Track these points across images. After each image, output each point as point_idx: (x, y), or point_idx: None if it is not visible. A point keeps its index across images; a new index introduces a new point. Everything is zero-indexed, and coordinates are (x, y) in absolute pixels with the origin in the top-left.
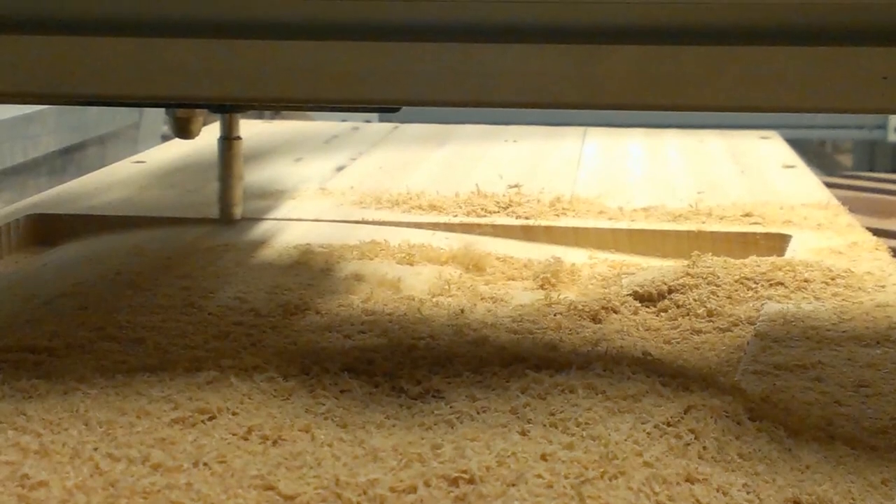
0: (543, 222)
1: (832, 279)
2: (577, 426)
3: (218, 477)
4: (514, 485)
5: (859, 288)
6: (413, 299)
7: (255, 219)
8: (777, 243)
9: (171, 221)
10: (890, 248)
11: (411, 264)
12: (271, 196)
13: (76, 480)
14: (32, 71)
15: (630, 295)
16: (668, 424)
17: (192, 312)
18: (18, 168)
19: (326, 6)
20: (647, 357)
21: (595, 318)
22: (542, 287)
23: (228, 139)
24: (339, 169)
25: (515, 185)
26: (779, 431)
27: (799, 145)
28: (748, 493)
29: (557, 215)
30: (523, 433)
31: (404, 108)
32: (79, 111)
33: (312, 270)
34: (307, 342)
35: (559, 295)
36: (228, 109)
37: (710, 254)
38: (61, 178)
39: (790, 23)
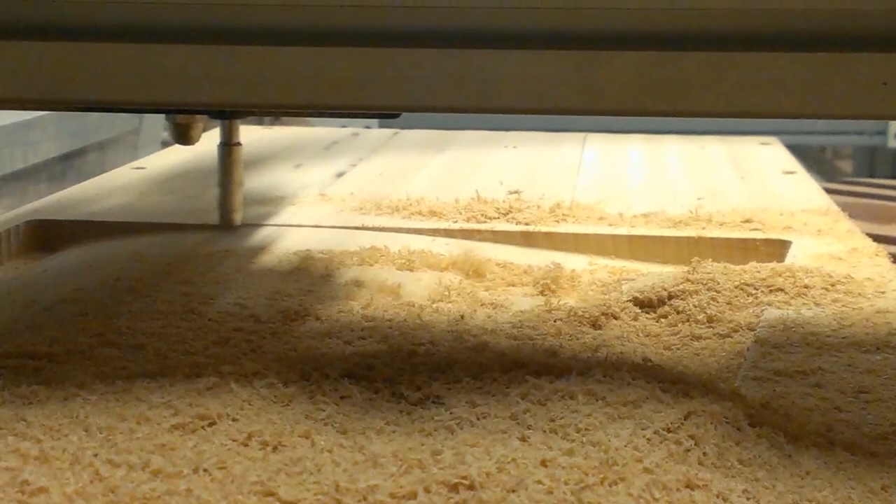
0: (543, 228)
1: (832, 285)
2: (577, 432)
3: (218, 483)
4: (514, 491)
5: (859, 294)
6: (413, 305)
7: (255, 225)
8: (777, 249)
9: (171, 227)
10: (890, 254)
11: (411, 270)
12: (271, 202)
13: (76, 486)
14: (32, 77)
15: (630, 301)
16: (668, 430)
17: (192, 318)
18: (18, 174)
19: (326, 12)
20: (647, 363)
21: (595, 324)
22: (542, 293)
23: (228, 145)
24: (339, 175)
25: (515, 191)
26: (779, 437)
27: (799, 151)
28: (748, 498)
29: (557, 221)
30: (523, 439)
31: (404, 114)
32: (79, 117)
33: (312, 276)
34: (307, 348)
35: (559, 301)
36: (228, 115)
37: (710, 260)
38: (61, 184)
39: (790, 29)
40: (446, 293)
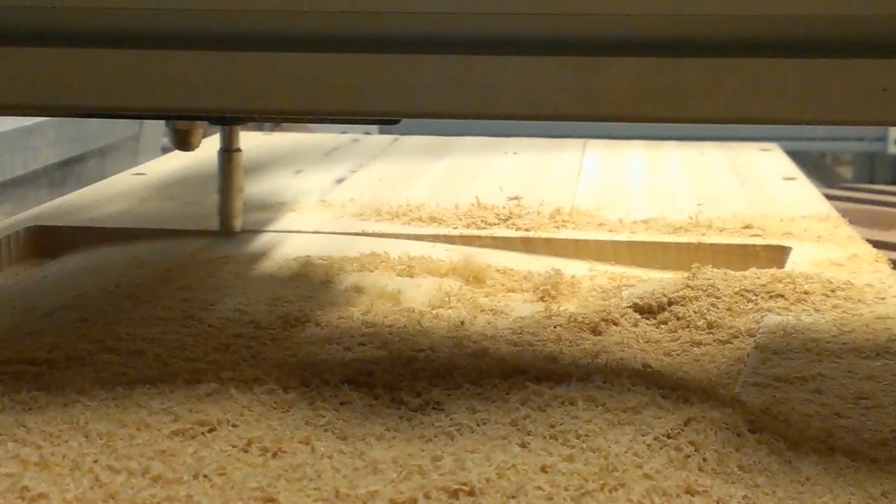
0: (543, 234)
1: (832, 291)
2: (577, 438)
3: (218, 489)
4: (514, 497)
5: (859, 300)
6: (413, 311)
7: (255, 231)
8: (777, 255)
9: (171, 233)
10: (890, 260)
11: (411, 276)
12: (271, 208)
13: (76, 492)
14: (33, 83)
15: (630, 307)
16: (668, 436)
17: (192, 324)
18: (19, 180)
19: (326, 18)
20: (647, 369)
21: (595, 330)
22: (542, 299)
23: (228, 151)
24: (339, 181)
25: (515, 197)
26: (779, 443)
27: (799, 157)
28: None
29: (557, 227)
30: (523, 445)
31: (404, 120)
32: (79, 123)
33: (312, 282)
34: (307, 354)
35: (559, 307)
36: (228, 121)
37: (710, 266)
38: (61, 190)
39: (790, 35)
40: (446, 299)
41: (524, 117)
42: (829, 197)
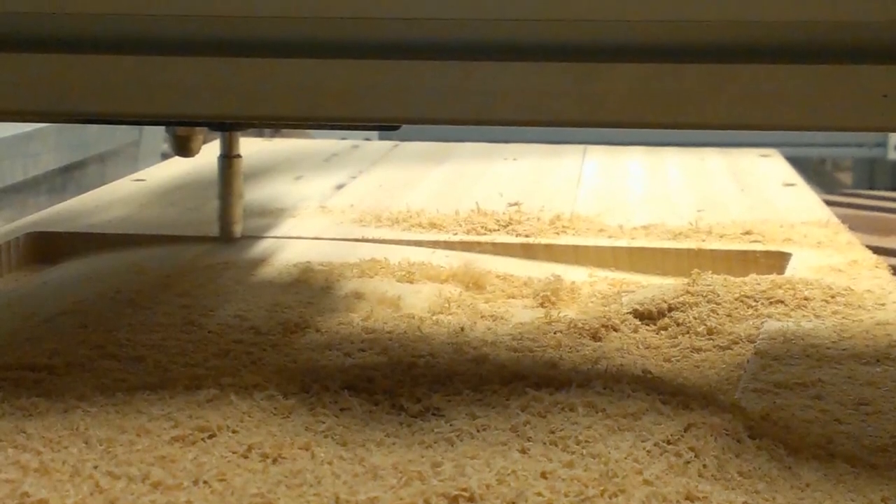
0: (543, 240)
1: (832, 297)
2: (577, 444)
3: (218, 495)
4: (514, 503)
5: (859, 306)
6: (413, 317)
7: (255, 237)
8: (777, 261)
9: (171, 239)
10: (890, 266)
11: (411, 282)
12: (271, 214)
13: (76, 498)
14: (33, 89)
15: (630, 313)
16: (668, 442)
17: (192, 330)
18: (19, 186)
19: (326, 24)
20: (647, 375)
21: (595, 336)
22: (542, 305)
23: (228, 157)
24: (339, 187)
25: (515, 203)
26: (779, 449)
27: (799, 163)
28: None
29: (557, 233)
30: (523, 451)
31: (404, 126)
32: (79, 129)
33: (312, 288)
34: (307, 360)
35: (559, 313)
36: (228, 127)
37: (711, 272)
38: (61, 196)
39: (790, 41)
40: (446, 305)
41: (524, 123)
42: (829, 203)
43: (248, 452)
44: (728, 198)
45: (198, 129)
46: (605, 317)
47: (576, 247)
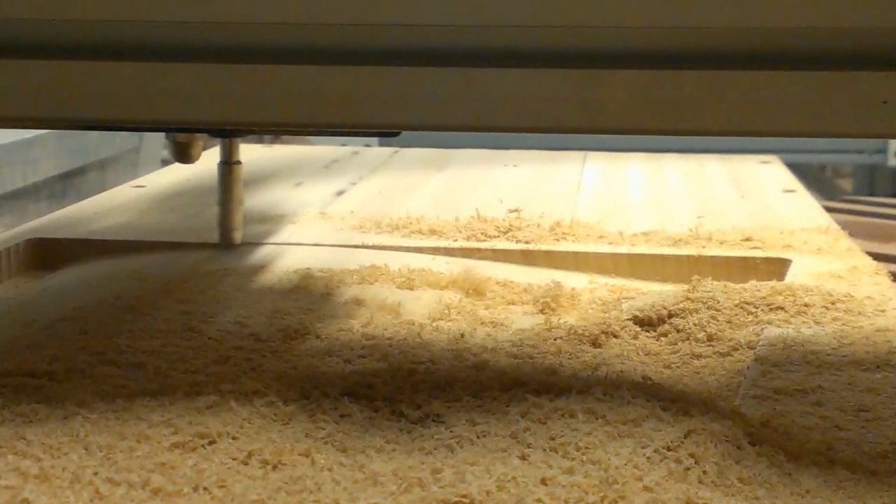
0: (543, 247)
1: (832, 304)
2: (577, 451)
3: (218, 501)
4: None
5: (859, 312)
6: (413, 324)
7: (255, 243)
8: (777, 268)
9: (171, 246)
10: (890, 272)
11: (411, 289)
12: (271, 220)
13: None
14: (33, 95)
15: (630, 319)
16: (668, 449)
17: (192, 337)
18: (18, 192)
19: (326, 30)
20: (647, 381)
21: (595, 343)
22: (542, 311)
23: (228, 164)
24: (339, 193)
25: (515, 210)
26: (779, 456)
27: (799, 170)
28: None
29: (557, 240)
30: (523, 458)
31: (404, 132)
32: (79, 135)
33: (312, 295)
34: (307, 367)
35: (559, 319)
36: (228, 134)
37: (710, 278)
38: (61, 202)
39: (790, 47)
40: (446, 312)
41: (524, 130)
42: (829, 209)
43: (248, 459)
44: (728, 204)
45: (198, 135)
46: (605, 323)
47: (576, 253)
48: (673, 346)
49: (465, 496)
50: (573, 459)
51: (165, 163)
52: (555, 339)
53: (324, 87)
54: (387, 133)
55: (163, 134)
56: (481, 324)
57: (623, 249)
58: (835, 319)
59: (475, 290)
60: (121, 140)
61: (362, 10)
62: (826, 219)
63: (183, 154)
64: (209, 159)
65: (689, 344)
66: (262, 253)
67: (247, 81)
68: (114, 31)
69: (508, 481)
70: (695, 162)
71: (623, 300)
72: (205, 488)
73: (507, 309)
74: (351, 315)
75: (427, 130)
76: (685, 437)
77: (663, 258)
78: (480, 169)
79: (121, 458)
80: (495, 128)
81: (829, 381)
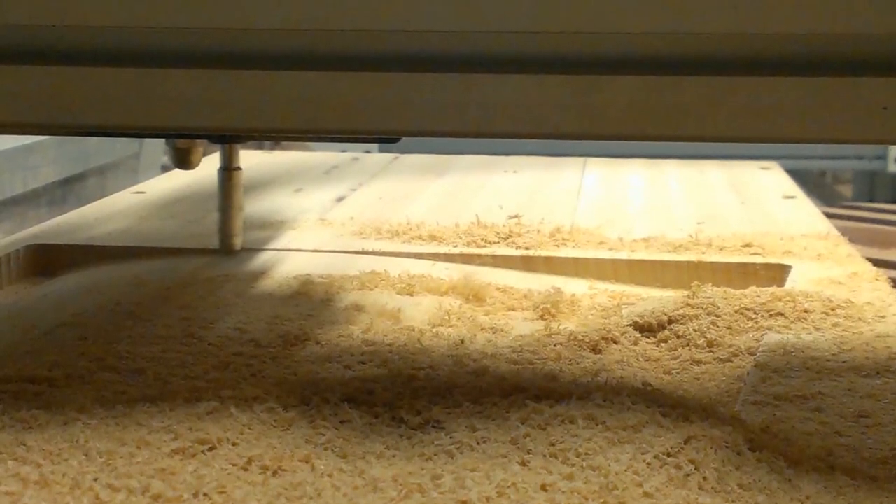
0: (543, 253)
1: (832, 310)
2: (577, 457)
3: None
4: None
5: (859, 318)
6: (413, 330)
7: (255, 249)
8: (777, 274)
9: (171, 252)
10: (890, 278)
11: (411, 295)
12: (271, 226)
13: None
14: (32, 101)
15: (630, 325)
16: (669, 455)
17: (192, 343)
18: (18, 198)
19: (326, 36)
20: (647, 387)
21: (595, 349)
22: (542, 317)
23: (228, 170)
24: (339, 199)
25: (515, 216)
26: (779, 462)
27: (799, 176)
28: None
29: (557, 246)
30: (523, 463)
31: (404, 138)
32: (79, 142)
33: (312, 301)
34: (307, 373)
35: (559, 325)
36: (228, 140)
37: (710, 284)
38: (61, 208)
39: (790, 53)
40: (446, 318)
41: (524, 136)
42: (829, 215)
43: (248, 465)
44: (728, 210)
45: (198, 141)
46: (605, 329)
47: (576, 259)
48: (673, 351)
49: (465, 502)
50: (573, 465)
51: (165, 169)
52: (555, 345)
53: (324, 93)
54: (387, 139)
55: (163, 140)
56: (481, 330)
57: (623, 255)
58: (835, 325)
59: (475, 296)
60: (121, 146)
61: (362, 17)
62: (826, 225)
63: (183, 160)
64: (209, 165)
65: (689, 350)
66: (262, 259)
67: (247, 87)
68: (114, 37)
69: (508, 487)
70: (695, 168)
71: (623, 306)
72: (205, 494)
73: (507, 315)
74: (351, 321)
75: (427, 136)
76: (685, 443)
77: (663, 264)
78: (480, 175)
79: (121, 464)
80: (495, 134)
81: (829, 386)
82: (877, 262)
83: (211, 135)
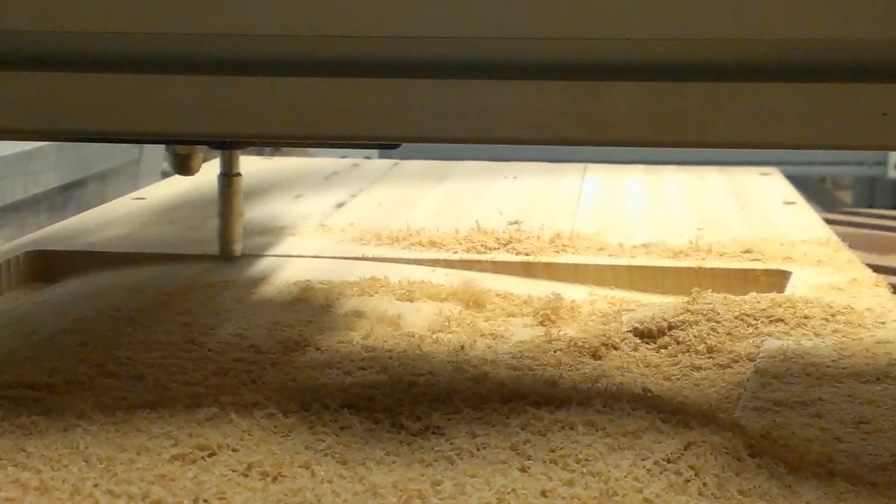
0: (543, 259)
1: (832, 316)
2: (578, 463)
3: None
4: None
5: (859, 324)
6: (413, 336)
7: (255, 255)
8: (777, 280)
9: (171, 258)
10: (890, 284)
11: (411, 301)
12: (271, 233)
13: None
14: (33, 107)
15: (630, 331)
16: (669, 461)
17: (192, 349)
18: (18, 204)
19: (326, 43)
20: (647, 393)
21: (595, 355)
22: (542, 323)
23: (228, 176)
24: (339, 205)
25: (515, 222)
26: (779, 468)
27: (799, 182)
28: None
29: (557, 252)
30: (523, 470)
31: (404, 144)
32: (79, 148)
33: (312, 307)
34: (307, 379)
35: (559, 331)
36: (228, 146)
37: (710, 290)
38: (61, 214)
39: (790, 59)
40: (446, 324)
41: (524, 142)
42: (829, 221)
43: (248, 471)
44: (728, 216)
45: (198, 147)
46: (605, 335)
47: (576, 265)
48: (673, 358)
49: None
50: (573, 472)
51: (165, 175)
52: (555, 351)
53: (324, 99)
54: (387, 145)
55: (163, 146)
56: (481, 336)
57: (623, 261)
58: (835, 331)
59: (475, 302)
60: (121, 152)
61: (362, 22)
62: (826, 231)
63: (183, 166)
64: (209, 171)
65: (690, 356)
66: (262, 265)
67: (247, 93)
68: (113, 44)
69: (508, 493)
70: (695, 174)
71: (623, 312)
72: (205, 500)
73: (507, 321)
74: (351, 327)
75: (427, 142)
76: (685, 450)
77: (663, 270)
78: (480, 181)
79: (121, 471)
80: (495, 140)
81: (829, 393)
82: (877, 268)
83: (211, 141)
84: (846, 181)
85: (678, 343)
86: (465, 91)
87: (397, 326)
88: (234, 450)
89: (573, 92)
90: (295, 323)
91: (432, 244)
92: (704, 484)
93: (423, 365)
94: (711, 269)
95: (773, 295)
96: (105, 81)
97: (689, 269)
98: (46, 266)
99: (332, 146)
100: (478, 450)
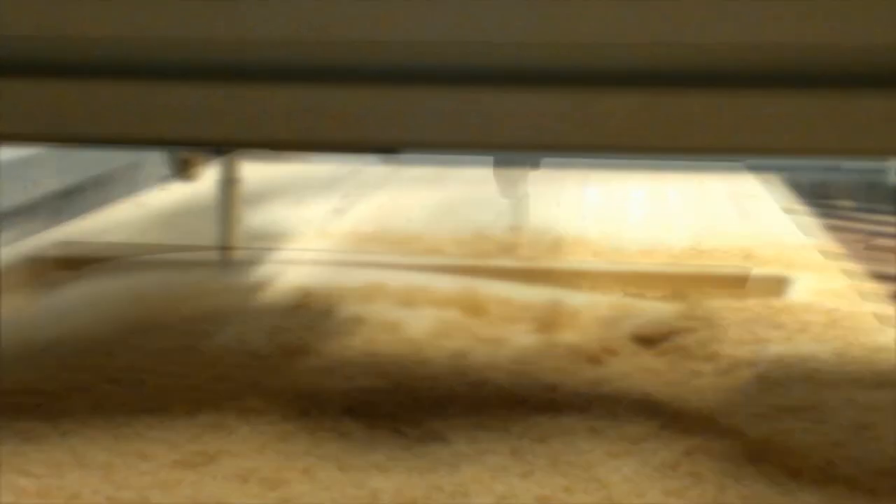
0: (544, 264)
1: (832, 321)
2: (578, 468)
3: None
4: None
5: (859, 330)
6: (413, 341)
7: (254, 261)
8: (777, 286)
9: (171, 264)
10: (889, 290)
11: (411, 306)
12: (271, 238)
13: None
14: (34, 113)
15: (630, 337)
16: (669, 467)
17: (192, 354)
18: (18, 210)
19: (326, 50)
20: (648, 399)
21: (595, 360)
22: (542, 329)
23: (228, 181)
24: (339, 211)
25: (516, 227)
26: (779, 474)
27: (799, 188)
28: None
29: (558, 257)
30: (523, 475)
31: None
32: (79, 153)
33: (312, 312)
34: (307, 384)
35: (559, 337)
36: (228, 152)
37: (711, 296)
38: (61, 220)
39: (791, 66)
40: (446, 329)
41: (525, 149)
42: (828, 227)
43: (247, 476)
44: (728, 222)
45: (198, 153)
46: (605, 341)
47: (576, 271)
48: (673, 363)
49: None
50: (573, 477)
51: (165, 181)
52: (555, 357)
53: (324, 106)
54: (387, 151)
55: (163, 152)
56: (481, 341)
57: (623, 267)
58: (834, 337)
59: (475, 307)
60: (121, 158)
61: (362, 29)
62: (826, 237)
63: (183, 172)
64: (209, 177)
65: (690, 361)
66: (261, 270)
67: (247, 100)
68: (115, 50)
69: (508, 499)
70: (695, 180)
71: (623, 318)
72: None
73: (507, 326)
74: (351, 332)
75: (427, 149)
76: (685, 455)
77: (664, 276)
78: (480, 187)
79: (120, 476)
80: (495, 146)
81: (829, 398)
82: (876, 275)
83: (211, 147)
84: (846, 187)
85: (678, 349)
86: (466, 98)
87: (397, 332)
88: (233, 455)
89: (574, 99)
90: (295, 328)
91: (432, 250)
92: (704, 490)
93: (424, 370)
94: (711, 274)
95: (773, 301)
96: (106, 88)
97: (689, 274)
98: (46, 272)
99: (333, 152)
100: (478, 455)
